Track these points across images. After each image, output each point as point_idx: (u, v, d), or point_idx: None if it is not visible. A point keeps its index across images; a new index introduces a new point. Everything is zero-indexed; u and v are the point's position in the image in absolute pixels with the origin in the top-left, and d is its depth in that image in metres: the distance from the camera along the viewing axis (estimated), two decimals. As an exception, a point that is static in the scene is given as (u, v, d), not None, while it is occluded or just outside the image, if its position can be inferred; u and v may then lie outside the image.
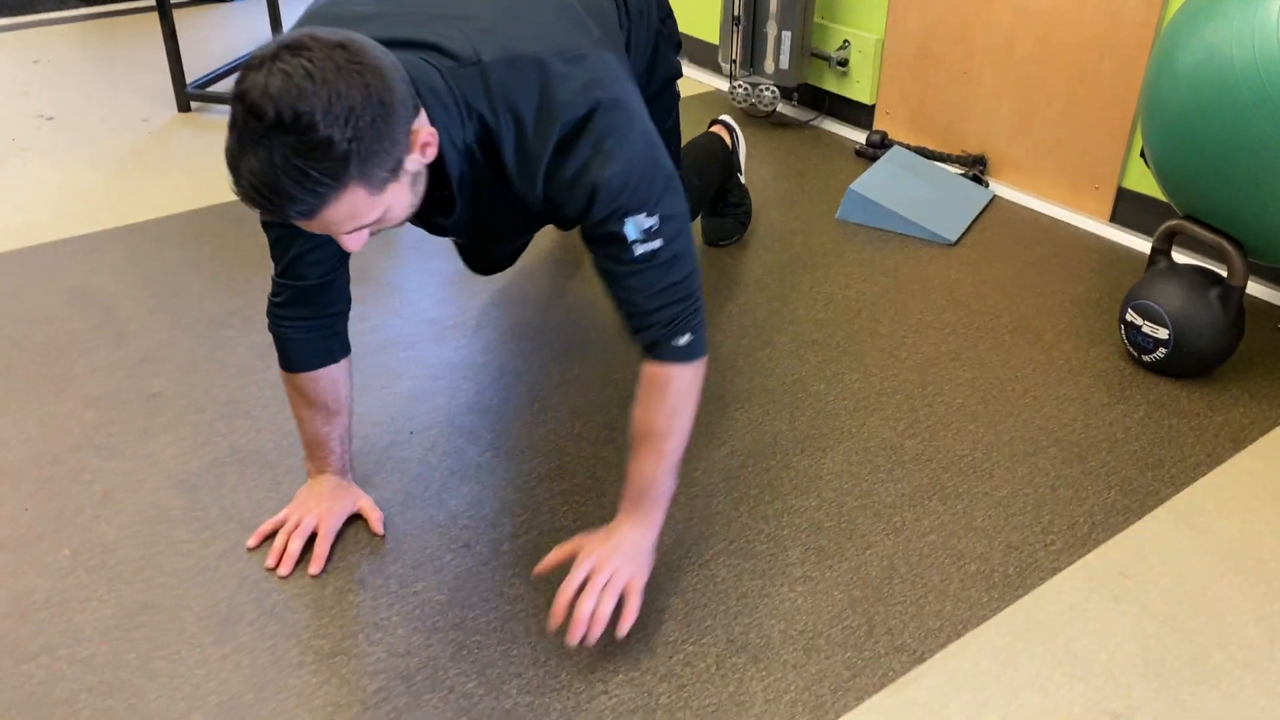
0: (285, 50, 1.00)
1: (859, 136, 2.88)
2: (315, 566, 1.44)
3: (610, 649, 1.34)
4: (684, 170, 1.95)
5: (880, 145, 2.73)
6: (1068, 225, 2.42)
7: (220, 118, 2.99)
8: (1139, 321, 1.87)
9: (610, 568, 1.31)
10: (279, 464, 1.65)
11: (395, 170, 1.07)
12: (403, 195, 1.11)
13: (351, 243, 1.11)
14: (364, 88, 1.01)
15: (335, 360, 1.46)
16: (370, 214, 1.08)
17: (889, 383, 1.88)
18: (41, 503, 1.59)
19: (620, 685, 1.30)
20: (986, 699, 1.29)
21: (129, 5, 3.98)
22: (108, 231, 2.37)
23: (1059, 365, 1.93)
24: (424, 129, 1.11)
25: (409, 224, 1.34)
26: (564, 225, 1.31)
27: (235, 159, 1.02)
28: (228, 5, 4.00)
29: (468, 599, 1.42)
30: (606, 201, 1.20)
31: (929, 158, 2.67)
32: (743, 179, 2.31)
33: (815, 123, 2.99)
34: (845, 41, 2.84)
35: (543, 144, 1.19)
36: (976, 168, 2.60)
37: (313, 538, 1.48)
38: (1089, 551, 1.52)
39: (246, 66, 1.02)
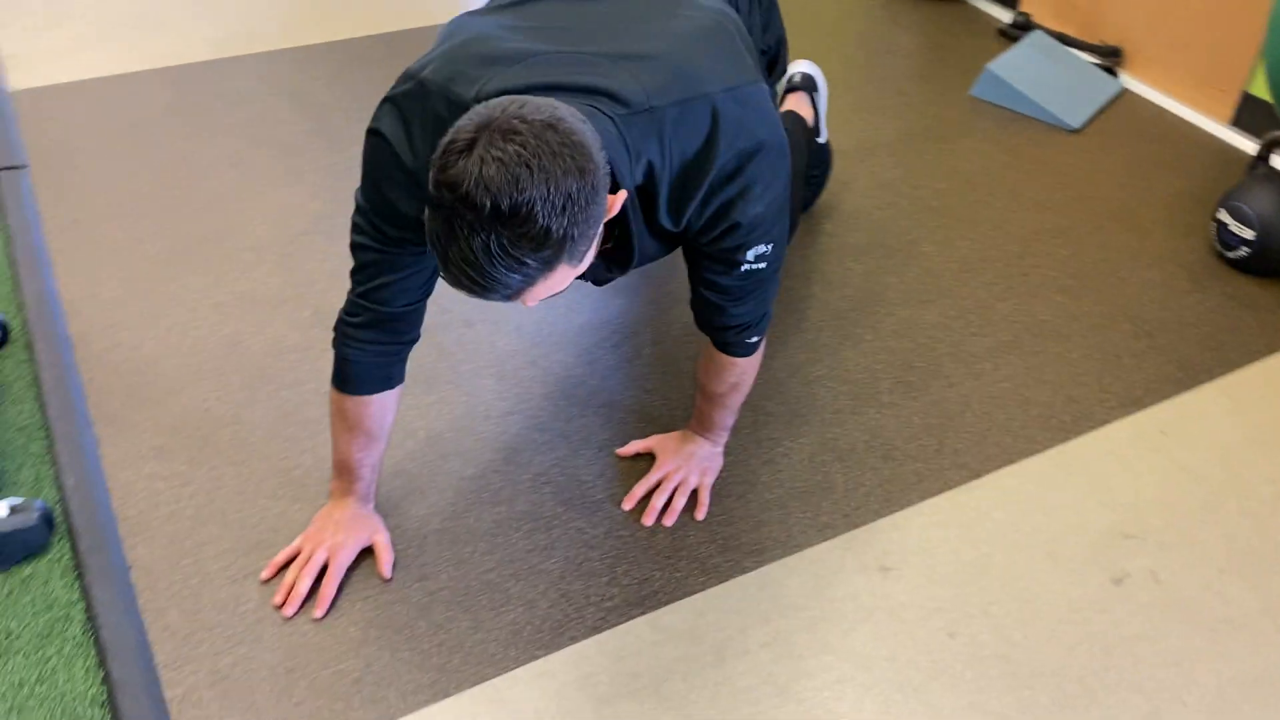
0: (496, 134, 0.99)
1: (1005, 16, 3.01)
2: (319, 611, 1.42)
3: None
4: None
5: (1023, 27, 2.87)
6: (1188, 123, 2.57)
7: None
8: (1228, 220, 2.07)
9: (684, 471, 1.59)
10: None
11: (592, 240, 1.08)
12: (590, 258, 1.11)
13: (528, 301, 1.09)
14: (578, 173, 1.00)
15: (391, 387, 1.43)
16: (564, 285, 1.09)
17: (993, 251, 2.13)
18: (284, 273, 1.98)
19: (727, 466, 1.65)
20: (1027, 510, 1.61)
21: None
22: (318, 45, 2.71)
23: (1149, 251, 2.14)
24: (612, 198, 1.11)
25: None
26: (685, 245, 1.34)
27: (444, 246, 1.01)
28: None
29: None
30: (741, 236, 1.27)
31: (1067, 44, 2.81)
32: (823, 139, 2.15)
33: (964, -2, 3.12)
34: (1005, -80, 2.94)
35: (697, 186, 1.21)
36: (1111, 59, 2.73)
37: (325, 572, 1.45)
38: (1138, 411, 1.79)
39: (450, 150, 1.00)
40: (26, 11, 2.81)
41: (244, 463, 1.62)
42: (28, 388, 1.72)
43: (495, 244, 0.99)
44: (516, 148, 0.98)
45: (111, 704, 1.31)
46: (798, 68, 2.14)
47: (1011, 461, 1.69)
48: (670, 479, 1.59)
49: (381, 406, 1.44)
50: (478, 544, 1.53)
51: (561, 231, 1.00)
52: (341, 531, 1.47)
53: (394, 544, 1.51)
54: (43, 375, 1.74)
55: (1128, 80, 2.73)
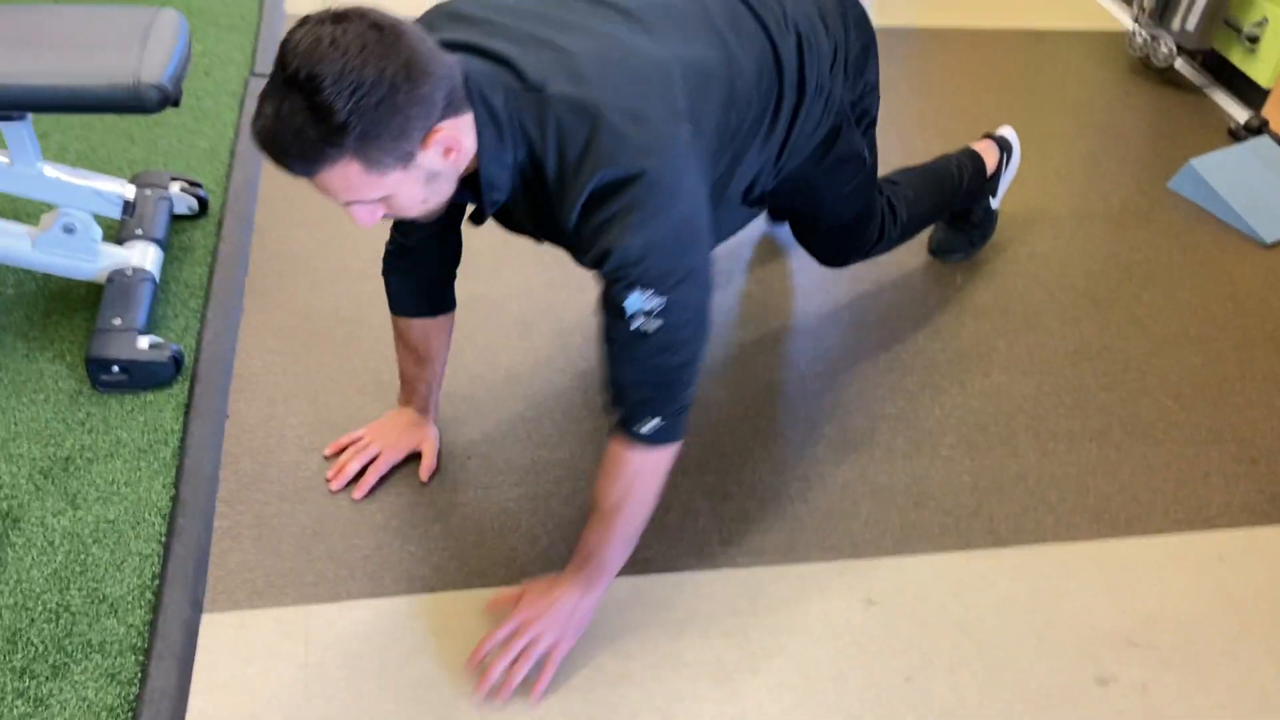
0: (336, 16, 1.06)
1: (1242, 116, 2.86)
2: (358, 492, 1.60)
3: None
4: (900, 195, 1.93)
5: (1254, 131, 2.72)
6: (1404, 264, 2.37)
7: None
8: (1386, 368, 1.92)
9: (536, 630, 1.38)
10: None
11: (404, 160, 1.11)
12: (411, 188, 1.15)
13: (358, 215, 1.16)
14: (379, 71, 1.05)
15: (431, 314, 1.56)
16: (368, 192, 1.13)
17: (1119, 341, 2.07)
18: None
19: (760, 465, 1.72)
20: (1035, 589, 1.59)
21: None
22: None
23: (1293, 383, 2.02)
24: (450, 133, 1.14)
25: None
26: (582, 264, 1.28)
27: (259, 102, 1.09)
28: None
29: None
30: (618, 266, 1.19)
31: (1298, 157, 2.64)
32: (995, 204, 2.18)
33: (1207, 90, 2.98)
34: (1264, 19, 2.79)
35: (580, 186, 1.19)
36: (1340, 181, 2.55)
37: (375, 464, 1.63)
38: (1202, 531, 1.71)
39: (302, 20, 1.08)
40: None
41: (347, 358, 1.85)
42: (205, 255, 2.03)
43: (285, 107, 1.05)
44: (336, 31, 1.05)
45: (171, 517, 1.56)
46: (1002, 130, 2.21)
47: (1043, 541, 1.67)
48: (518, 637, 1.39)
49: (424, 330, 1.58)
50: (510, 475, 1.68)
51: (345, 116, 1.04)
52: (396, 433, 1.67)
53: (440, 456, 1.69)
54: (220, 248, 2.04)
55: (1354, 207, 2.54)
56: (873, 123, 1.74)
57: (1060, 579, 1.62)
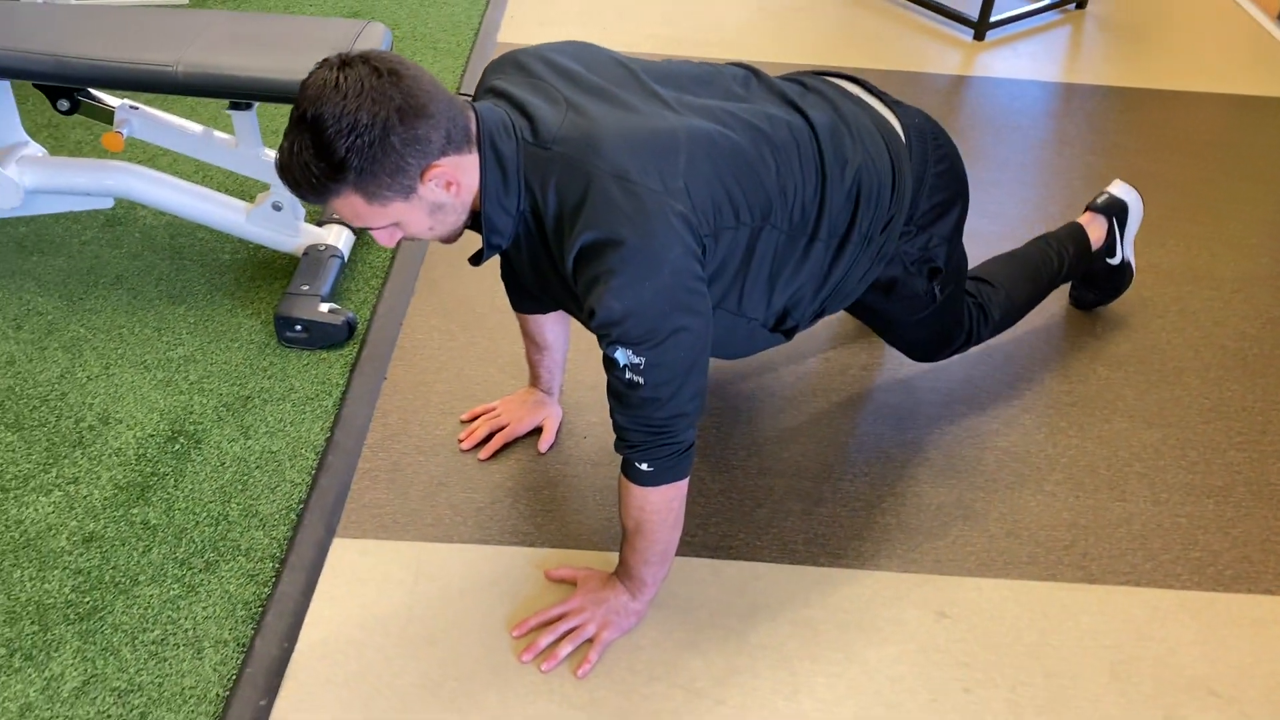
0: (344, 61, 1.19)
1: None
2: (483, 454, 1.79)
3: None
4: (993, 295, 1.91)
5: None
6: None
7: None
8: None
9: (584, 618, 1.50)
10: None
11: (404, 193, 1.23)
12: (416, 216, 1.27)
13: (377, 236, 1.31)
14: (374, 114, 1.16)
15: (537, 312, 1.70)
16: (374, 220, 1.26)
17: (1261, 403, 2.01)
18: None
19: (859, 474, 1.79)
20: (1118, 628, 1.59)
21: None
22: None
23: None
24: (448, 171, 1.24)
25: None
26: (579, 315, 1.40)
27: (283, 136, 1.23)
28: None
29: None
30: (602, 324, 1.27)
31: None
32: (1118, 260, 2.12)
33: None
34: None
35: (573, 239, 1.27)
36: None
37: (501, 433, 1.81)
38: (1316, 598, 1.66)
39: (320, 62, 1.21)
40: (543, -12, 3.52)
41: (494, 341, 2.05)
42: (391, 242, 2.29)
43: (296, 144, 1.19)
44: (339, 76, 1.18)
45: (323, 455, 1.79)
46: (1112, 188, 2.15)
47: (1138, 584, 1.66)
48: (566, 620, 1.52)
49: (539, 324, 1.74)
50: (617, 457, 1.82)
51: (344, 152, 1.17)
52: (524, 409, 1.85)
53: (559, 433, 1.86)
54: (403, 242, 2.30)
55: None
56: (937, 270, 1.66)
57: (1148, 622, 1.61)
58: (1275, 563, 1.71)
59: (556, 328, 1.76)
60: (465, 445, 1.82)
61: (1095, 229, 2.11)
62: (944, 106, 2.96)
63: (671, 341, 1.28)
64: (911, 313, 1.72)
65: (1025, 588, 1.65)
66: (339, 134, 1.17)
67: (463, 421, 1.88)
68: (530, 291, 1.66)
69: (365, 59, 1.20)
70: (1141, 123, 2.95)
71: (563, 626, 1.51)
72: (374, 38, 1.99)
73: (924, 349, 1.86)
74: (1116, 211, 2.13)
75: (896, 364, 2.05)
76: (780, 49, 3.20)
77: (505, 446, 1.83)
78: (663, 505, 1.41)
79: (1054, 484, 1.83)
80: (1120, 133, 2.89)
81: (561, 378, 1.88)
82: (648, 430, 1.35)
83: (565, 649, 1.50)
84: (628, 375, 1.30)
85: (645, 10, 3.40)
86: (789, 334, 1.60)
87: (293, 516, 1.69)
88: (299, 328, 1.98)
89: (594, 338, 1.33)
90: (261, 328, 2.05)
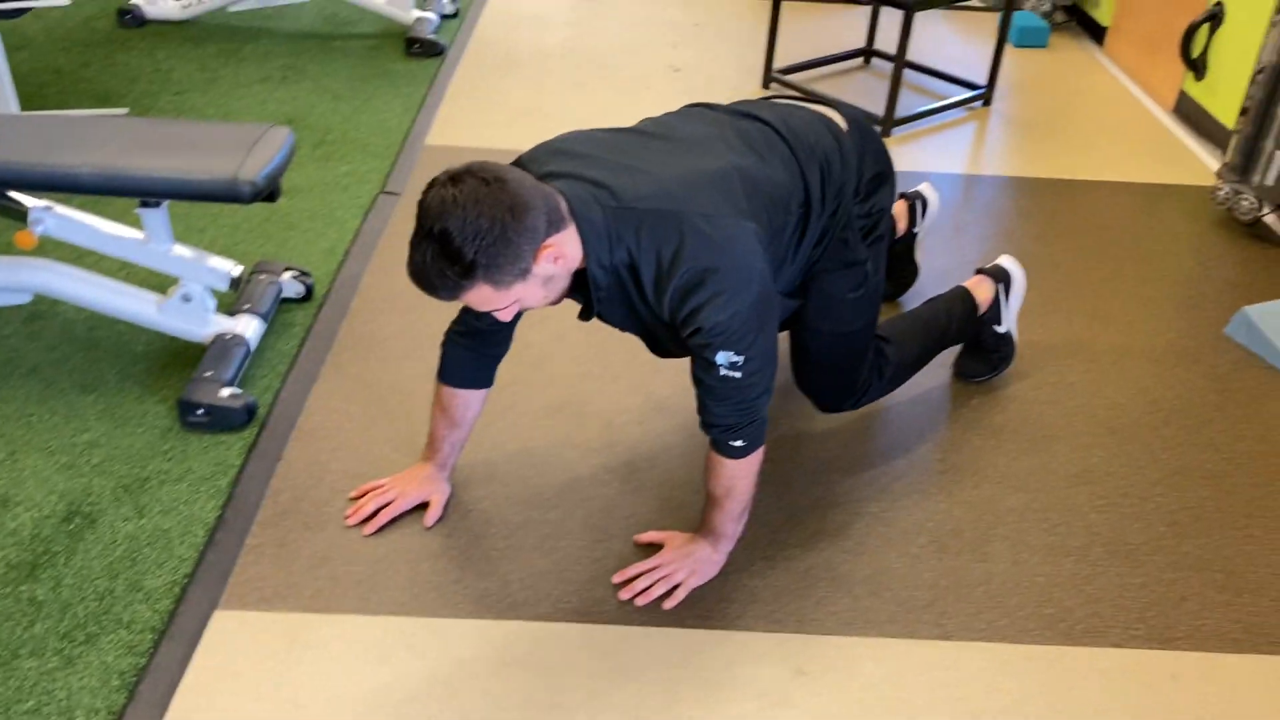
0: (453, 178, 1.43)
1: (1328, 271, 2.83)
2: (368, 529, 1.86)
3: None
4: (888, 351, 2.08)
5: (1332, 285, 2.69)
6: None
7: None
8: (1396, 512, 1.88)
9: (672, 568, 1.77)
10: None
11: (522, 274, 1.47)
12: (533, 291, 1.51)
13: (501, 316, 1.56)
14: (492, 217, 1.41)
15: (475, 387, 1.86)
16: (500, 303, 1.50)
17: (1126, 469, 2.10)
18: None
19: (728, 560, 1.87)
20: (960, 684, 1.65)
21: (786, -7, 4.88)
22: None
23: (1306, 523, 1.99)
24: (561, 247, 1.49)
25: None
26: (677, 339, 1.64)
27: (410, 249, 1.45)
28: (837, 7, 4.73)
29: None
30: (710, 336, 1.54)
31: (1375, 312, 2.59)
32: (1002, 329, 2.28)
33: (1296, 246, 2.96)
34: (1347, 176, 2.79)
35: (671, 279, 1.53)
36: None
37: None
38: (1162, 649, 1.72)
39: (431, 182, 1.44)
40: (477, 91, 3.70)
41: (392, 422, 2.14)
42: (301, 331, 2.39)
43: (428, 254, 1.43)
44: (455, 191, 1.42)
45: (212, 532, 1.86)
46: (1001, 260, 2.33)
47: (991, 640, 1.73)
48: (659, 569, 1.78)
49: (465, 400, 1.87)
50: (501, 529, 1.90)
51: (472, 255, 1.41)
52: (412, 484, 1.93)
53: (447, 507, 1.93)
54: (315, 327, 2.40)
55: None
56: (880, 238, 1.94)
57: (998, 676, 1.67)
58: (1124, 617, 1.78)
59: (477, 406, 1.90)
60: (351, 521, 1.89)
61: (983, 290, 2.26)
62: (847, 197, 3.11)
63: (762, 336, 1.58)
64: (846, 286, 1.90)
65: (883, 645, 1.71)
66: (466, 240, 1.40)
67: (352, 498, 1.95)
68: (476, 363, 1.85)
69: (471, 172, 1.43)
70: (1036, 210, 3.10)
71: (656, 575, 1.77)
72: (276, 140, 2.12)
73: (831, 378, 2.03)
74: (1004, 279, 2.29)
75: (778, 437, 2.14)
76: (695, 146, 3.36)
77: (393, 520, 1.90)
78: (749, 471, 1.72)
79: (919, 546, 1.90)
80: (1015, 219, 3.04)
81: (457, 457, 1.97)
82: (740, 412, 1.62)
83: (658, 590, 1.75)
84: (725, 372, 1.58)
85: (566, 114, 3.58)
86: (795, 298, 1.91)
87: (177, 590, 1.75)
88: (201, 411, 2.06)
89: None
90: (167, 413, 2.13)
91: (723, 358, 1.57)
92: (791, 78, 3.85)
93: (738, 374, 1.58)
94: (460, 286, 1.45)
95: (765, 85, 3.84)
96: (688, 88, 3.82)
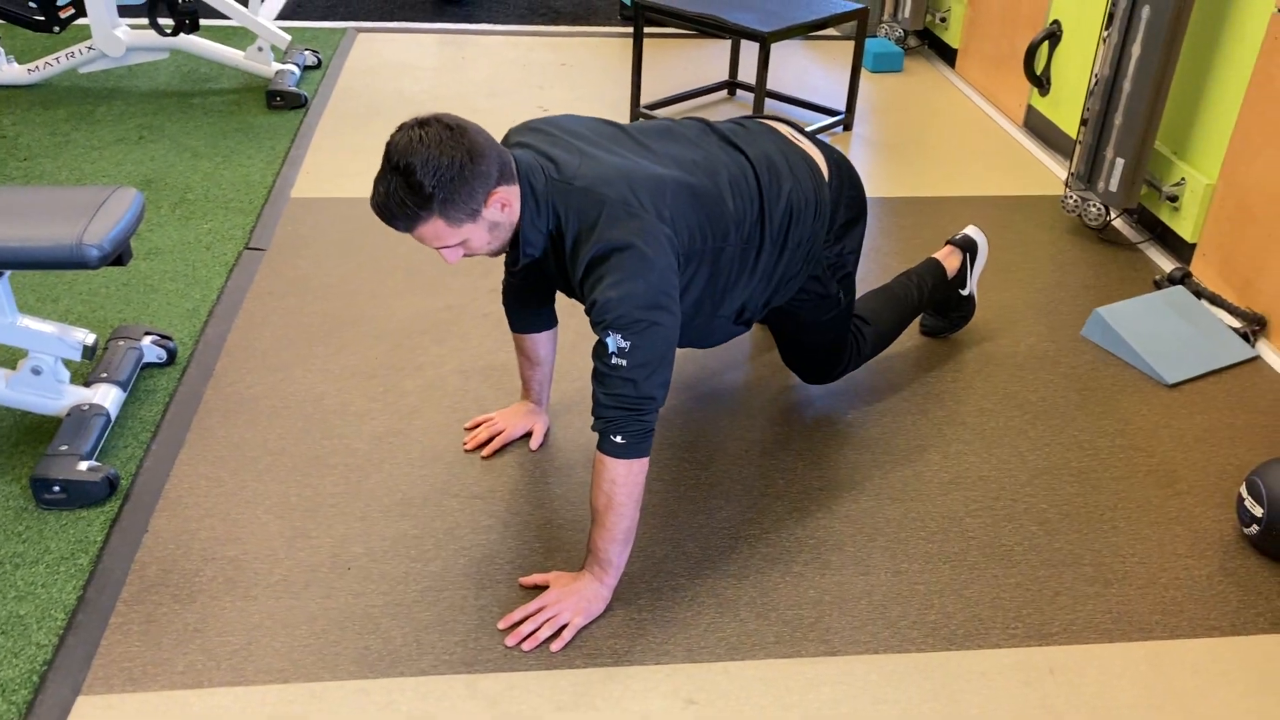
0: (420, 123, 1.61)
1: (1171, 268, 2.97)
2: (487, 451, 2.16)
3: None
4: (866, 330, 2.31)
5: (1176, 282, 2.84)
6: (1308, 402, 2.42)
7: (651, 133, 3.80)
8: (1245, 495, 1.97)
9: (559, 608, 1.76)
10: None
11: (473, 215, 1.64)
12: (479, 234, 1.67)
13: (446, 256, 1.70)
14: (452, 158, 1.58)
15: (539, 330, 2.10)
16: (450, 239, 1.65)
17: (996, 473, 2.17)
18: (389, 357, 2.47)
19: (614, 593, 1.86)
20: (856, 698, 1.67)
21: (651, 31, 4.96)
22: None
23: (1167, 512, 2.08)
24: (504, 195, 1.66)
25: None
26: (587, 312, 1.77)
27: (374, 184, 1.63)
28: (699, 41, 4.83)
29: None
30: (603, 312, 1.65)
31: (1216, 305, 2.74)
32: (967, 291, 2.56)
33: (1143, 246, 3.11)
34: (1181, 179, 2.94)
35: (586, 250, 1.68)
36: (1252, 326, 2.63)
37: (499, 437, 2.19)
38: (1039, 646, 1.77)
39: (400, 126, 1.62)
40: (341, 141, 3.65)
41: (264, 482, 2.08)
42: (165, 396, 2.31)
43: (390, 186, 1.60)
44: (421, 133, 1.60)
45: (73, 614, 1.77)
46: (968, 230, 2.58)
47: (876, 652, 1.75)
48: (544, 611, 1.77)
49: (533, 341, 2.12)
50: (381, 584, 1.85)
51: (431, 188, 1.58)
52: (517, 417, 2.21)
53: (324, 565, 1.88)
54: (178, 391, 2.32)
55: (1269, 352, 2.61)
56: (848, 275, 2.15)
57: (884, 687, 1.69)
58: (1002, 617, 1.83)
59: (549, 345, 2.13)
60: (469, 446, 2.16)
61: (953, 260, 2.53)
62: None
63: (650, 332, 1.65)
64: (820, 314, 2.14)
65: (771, 666, 1.72)
66: (426, 175, 1.57)
67: (466, 429, 2.22)
68: (529, 310, 2.07)
69: (436, 119, 1.61)
70: (898, 228, 3.20)
71: (542, 617, 1.76)
72: (123, 202, 2.05)
73: (818, 363, 2.27)
74: (970, 248, 2.55)
75: (661, 468, 2.15)
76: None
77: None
78: (630, 480, 1.71)
79: (801, 564, 1.92)
80: (879, 238, 3.12)
81: (549, 391, 2.22)
82: (622, 408, 1.68)
83: (545, 633, 1.75)
84: (614, 360, 1.65)
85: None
86: (747, 324, 2.08)
87: (35, 679, 1.65)
88: (57, 488, 1.97)
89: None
90: (20, 492, 2.03)
91: (612, 341, 1.65)
92: (659, 113, 3.91)
93: (624, 361, 1.65)
94: (418, 217, 1.61)
95: (633, 120, 3.88)
96: (556, 127, 3.83)
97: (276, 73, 3.99)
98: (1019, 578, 1.91)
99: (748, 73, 4.34)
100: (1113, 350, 2.59)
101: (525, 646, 1.73)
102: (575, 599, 1.78)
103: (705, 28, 3.56)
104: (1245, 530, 1.98)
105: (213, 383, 2.37)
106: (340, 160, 3.52)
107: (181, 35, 3.80)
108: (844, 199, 2.07)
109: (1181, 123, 3.00)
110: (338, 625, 1.77)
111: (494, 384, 2.39)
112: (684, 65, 4.54)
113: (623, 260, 1.66)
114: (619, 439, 1.69)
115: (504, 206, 1.68)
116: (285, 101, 3.88)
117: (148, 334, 2.40)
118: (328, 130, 3.74)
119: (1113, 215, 3.08)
